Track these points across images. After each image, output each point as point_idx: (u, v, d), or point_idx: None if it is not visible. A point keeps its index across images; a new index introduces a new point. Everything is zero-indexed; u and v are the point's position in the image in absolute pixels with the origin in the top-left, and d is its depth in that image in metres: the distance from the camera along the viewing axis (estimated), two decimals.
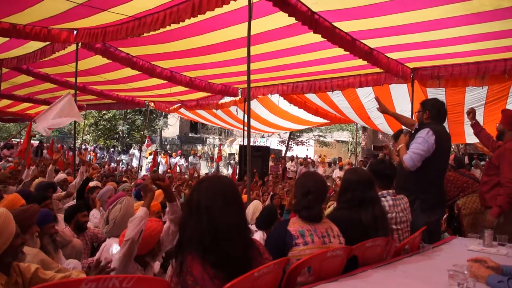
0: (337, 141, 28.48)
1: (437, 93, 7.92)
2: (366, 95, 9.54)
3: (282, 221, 2.51)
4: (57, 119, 6.90)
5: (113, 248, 3.31)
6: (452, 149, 15.11)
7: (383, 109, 4.85)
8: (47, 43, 7.50)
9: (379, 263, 2.60)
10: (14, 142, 19.28)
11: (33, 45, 7.80)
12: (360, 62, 6.66)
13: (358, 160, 17.15)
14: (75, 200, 5.70)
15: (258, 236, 4.54)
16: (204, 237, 1.88)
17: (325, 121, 13.50)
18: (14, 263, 2.36)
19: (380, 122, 10.93)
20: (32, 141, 10.90)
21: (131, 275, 1.77)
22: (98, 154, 21.42)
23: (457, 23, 5.16)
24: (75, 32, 6.93)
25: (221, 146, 19.25)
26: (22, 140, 22.87)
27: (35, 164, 8.65)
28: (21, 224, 2.57)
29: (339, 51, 6.21)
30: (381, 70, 7.37)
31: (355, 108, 10.44)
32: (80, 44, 7.25)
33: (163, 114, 27.08)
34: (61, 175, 7.32)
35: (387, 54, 6.77)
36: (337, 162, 16.33)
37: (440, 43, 5.94)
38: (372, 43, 6.27)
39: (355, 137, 19.71)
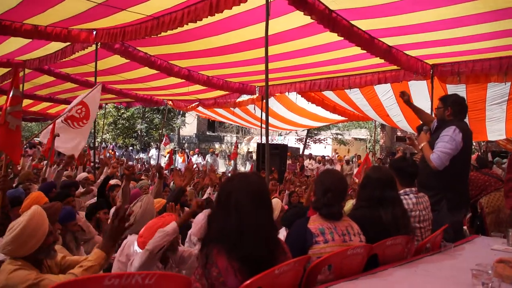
0: (355, 139, 28.24)
1: (457, 89, 7.79)
2: (384, 92, 9.45)
3: (302, 219, 2.51)
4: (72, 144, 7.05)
5: (135, 245, 3.35)
6: (473, 147, 14.88)
7: (407, 98, 4.72)
8: (68, 43, 7.63)
9: (400, 262, 2.58)
10: (36, 141, 19.62)
11: (54, 46, 7.95)
12: (378, 60, 6.60)
13: (376, 158, 16.99)
14: (95, 198, 5.78)
15: (282, 235, 4.55)
16: (232, 234, 1.91)
17: (343, 118, 13.42)
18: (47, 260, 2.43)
19: (399, 119, 10.81)
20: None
21: (153, 271, 1.79)
22: (117, 153, 21.67)
23: (478, 21, 5.06)
24: (94, 32, 7.03)
25: (238, 143, 19.27)
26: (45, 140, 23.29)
27: (56, 163, 8.78)
28: None
29: (356, 50, 6.16)
30: (400, 67, 7.29)
31: (373, 105, 10.34)
32: (99, 44, 7.36)
33: (181, 112, 27.24)
34: (83, 174, 7.43)
35: (406, 52, 6.68)
36: (356, 160, 16.22)
37: (460, 40, 5.84)
38: (390, 41, 6.20)
39: (373, 135, 19.52)
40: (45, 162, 7.56)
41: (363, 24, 5.61)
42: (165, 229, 2.79)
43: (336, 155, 19.05)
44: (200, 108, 12.96)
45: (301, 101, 11.17)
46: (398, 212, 2.75)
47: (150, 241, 2.74)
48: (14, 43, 7.76)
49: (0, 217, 3.26)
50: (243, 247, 1.88)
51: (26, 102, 14.17)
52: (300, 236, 2.38)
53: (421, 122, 4.77)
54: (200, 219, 3.49)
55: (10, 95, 3.69)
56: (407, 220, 2.84)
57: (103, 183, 5.65)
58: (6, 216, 3.27)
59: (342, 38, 5.53)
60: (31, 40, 7.22)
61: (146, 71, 8.75)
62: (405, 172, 3.24)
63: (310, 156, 17.78)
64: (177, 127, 29.59)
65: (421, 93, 8.58)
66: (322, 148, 25.14)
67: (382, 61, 6.58)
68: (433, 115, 4.74)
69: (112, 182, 6.09)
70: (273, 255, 1.95)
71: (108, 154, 19.41)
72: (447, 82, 7.44)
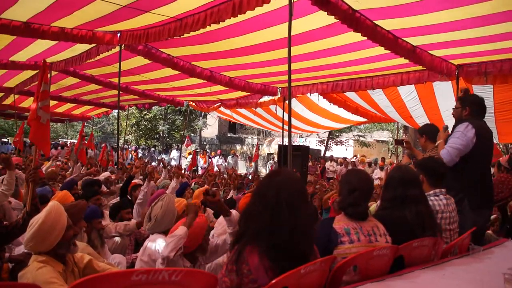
0: (377, 141, 27.93)
1: (483, 90, 7.62)
2: (408, 93, 9.31)
3: (327, 218, 2.48)
4: None
5: (157, 244, 3.37)
6: (500, 150, 14.50)
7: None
8: (92, 45, 7.78)
9: (426, 264, 2.52)
10: (63, 142, 20.06)
11: (79, 48, 8.12)
12: (402, 60, 6.50)
13: (399, 160, 16.74)
14: (118, 198, 5.86)
15: None
16: (280, 232, 1.88)
17: (365, 119, 13.29)
18: (69, 254, 2.48)
19: (423, 121, 10.63)
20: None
21: (179, 268, 1.80)
22: (139, 154, 21.95)
23: (507, 18, 4.93)
24: (118, 34, 7.15)
25: (259, 145, 19.28)
26: (68, 141, 23.82)
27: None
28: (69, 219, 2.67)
29: (380, 50, 6.09)
30: (424, 68, 7.17)
31: (396, 106, 10.20)
32: (123, 46, 7.48)
33: (203, 114, 27.43)
34: (105, 173, 7.55)
35: (430, 52, 6.57)
36: (378, 162, 16.03)
37: (487, 39, 5.70)
38: (414, 40, 6.11)
39: (396, 136, 19.26)
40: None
41: (387, 24, 5.54)
42: (175, 233, 2.82)
43: (359, 158, 18.84)
44: (221, 109, 13.01)
45: (323, 102, 11.11)
46: (423, 210, 2.68)
47: (164, 248, 2.78)
48: (40, 46, 7.95)
49: (30, 209, 3.33)
50: (286, 245, 1.87)
51: (51, 103, 14.48)
52: (324, 236, 2.35)
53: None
54: (223, 219, 3.48)
55: (40, 90, 3.79)
56: (433, 220, 2.77)
57: (126, 182, 5.72)
58: (35, 207, 3.34)
59: (366, 38, 5.47)
60: (57, 42, 7.38)
61: (168, 71, 8.84)
62: (434, 172, 3.16)
63: (331, 158, 17.65)
64: (198, 128, 29.79)
65: (446, 94, 8.43)
66: (343, 150, 24.94)
67: (406, 61, 6.49)
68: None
69: (135, 181, 6.17)
70: (306, 255, 1.94)
71: (130, 155, 19.70)
72: (473, 83, 7.28)
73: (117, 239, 4.25)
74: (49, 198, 4.19)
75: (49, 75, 9.71)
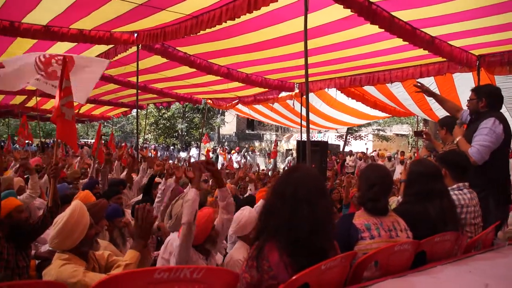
0: (397, 135, 27.59)
1: (506, 80, 7.45)
2: (427, 85, 9.09)
3: (346, 214, 2.46)
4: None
5: (177, 242, 3.39)
6: None
7: (426, 89, 4.48)
8: (110, 46, 7.88)
9: (449, 259, 2.47)
10: (82, 142, 20.41)
11: (97, 49, 8.23)
12: (420, 51, 6.40)
13: (421, 153, 16.49)
14: (140, 196, 5.92)
15: None
16: (300, 228, 1.87)
17: (384, 114, 13.13)
18: (90, 251, 2.53)
19: (443, 113, 10.43)
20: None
21: (201, 265, 1.81)
22: (158, 152, 22.16)
23: None
24: (135, 34, 7.22)
25: (277, 141, 19.27)
26: (88, 141, 24.22)
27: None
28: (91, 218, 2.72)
29: (398, 42, 6.02)
30: (444, 59, 7.04)
31: (416, 99, 10.05)
32: (140, 45, 7.55)
33: (221, 111, 27.52)
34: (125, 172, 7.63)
35: (450, 42, 6.45)
36: (398, 156, 15.84)
37: (510, 26, 5.55)
38: (433, 31, 6.00)
39: (416, 129, 19.00)
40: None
41: (404, 15, 5.47)
42: (187, 197, 2.81)
43: (378, 151, 18.67)
44: (239, 107, 13.02)
45: (341, 97, 11.03)
46: (446, 204, 2.64)
47: (183, 216, 2.77)
48: (60, 48, 8.09)
49: (51, 204, 3.40)
50: (309, 240, 1.86)
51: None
52: (344, 231, 2.33)
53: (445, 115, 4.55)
54: (240, 217, 3.48)
55: (62, 87, 3.82)
56: (455, 214, 2.72)
57: (148, 181, 5.78)
58: (56, 203, 3.41)
59: (383, 30, 5.41)
60: (76, 44, 7.50)
61: (186, 69, 8.90)
62: (457, 166, 3.08)
63: (350, 153, 17.52)
64: (216, 126, 29.93)
65: (466, 86, 8.26)
66: (362, 145, 24.72)
67: (425, 52, 6.38)
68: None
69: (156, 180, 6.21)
70: (326, 251, 1.93)
71: (150, 154, 19.91)
72: (496, 73, 7.11)
73: None
74: (71, 198, 4.27)
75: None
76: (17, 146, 14.18)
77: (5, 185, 4.66)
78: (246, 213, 3.46)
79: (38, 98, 14.01)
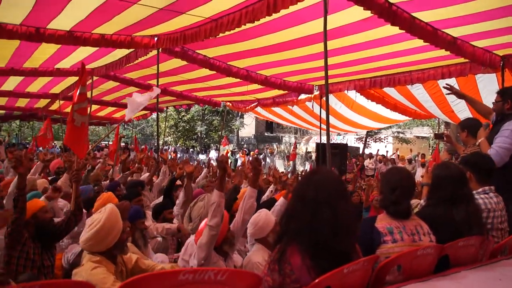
0: (417, 137, 27.22)
1: None
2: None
3: (368, 217, 2.45)
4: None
5: None
6: None
7: (456, 91, 4.41)
8: (131, 50, 7.99)
9: (473, 264, 2.43)
10: (103, 144, 20.70)
11: (118, 53, 8.37)
12: (442, 52, 6.31)
13: (442, 156, 16.23)
14: (161, 198, 5.98)
15: None
16: (322, 231, 1.87)
17: (404, 118, 12.97)
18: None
19: (465, 115, 10.24)
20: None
21: (225, 268, 1.82)
22: (178, 155, 22.33)
23: None
24: (155, 38, 7.31)
25: (296, 144, 19.23)
26: (111, 142, 24.57)
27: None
28: None
29: (418, 42, 5.94)
30: (466, 60, 6.92)
31: (437, 101, 9.89)
32: (160, 49, 7.64)
33: (240, 114, 27.61)
34: (147, 174, 7.71)
35: (472, 43, 6.34)
36: (419, 159, 15.62)
37: None
38: (455, 32, 5.92)
39: (437, 132, 18.70)
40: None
41: (425, 16, 5.40)
42: (212, 200, 2.82)
43: (398, 154, 18.44)
44: (258, 109, 13.04)
45: (361, 99, 10.94)
46: (472, 209, 2.59)
47: (208, 218, 2.79)
48: (82, 52, 8.26)
49: (74, 208, 3.47)
50: (332, 242, 1.85)
51: (93, 107, 15.02)
52: (366, 235, 2.31)
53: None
54: (257, 219, 3.48)
55: (77, 93, 3.83)
56: (480, 218, 2.67)
57: (169, 184, 5.84)
58: (79, 207, 3.48)
59: (403, 31, 5.36)
60: (98, 48, 7.64)
61: (205, 71, 8.94)
62: (483, 169, 3.02)
63: (370, 156, 17.34)
64: (235, 128, 30.03)
65: (490, 88, 8.10)
66: (382, 147, 24.46)
67: (446, 53, 6.29)
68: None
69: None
70: (348, 254, 1.92)
71: (169, 156, 20.07)
72: None
73: (160, 238, 4.35)
74: (94, 200, 4.35)
75: (91, 80, 10.07)
76: (41, 148, 14.47)
77: (29, 187, 4.76)
78: (263, 216, 3.46)
79: (61, 102, 14.31)
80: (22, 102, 15.55)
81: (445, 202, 2.62)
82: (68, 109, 15.95)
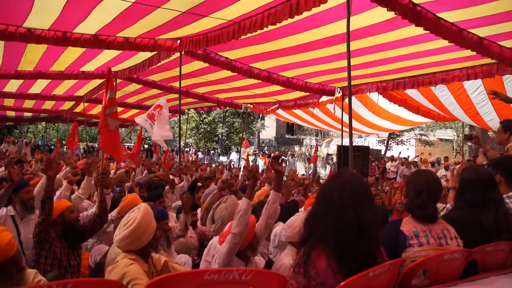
0: (440, 139, 26.72)
1: None
2: (474, 88, 8.83)
3: (394, 221, 2.42)
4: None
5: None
6: None
7: (503, 97, 4.29)
8: (154, 52, 8.10)
9: (502, 270, 2.37)
10: (125, 146, 21.00)
11: (142, 56, 8.49)
12: (467, 53, 6.19)
13: (465, 160, 15.90)
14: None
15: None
16: (346, 233, 1.86)
17: (427, 120, 12.74)
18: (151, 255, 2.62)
19: (491, 118, 10.02)
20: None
21: (250, 268, 1.83)
22: (199, 157, 22.49)
23: None
24: (178, 41, 7.39)
25: (318, 146, 19.13)
26: (132, 144, 24.91)
27: (145, 165, 9.32)
28: None
29: (443, 43, 5.84)
30: (493, 61, 6.77)
31: (462, 103, 9.69)
32: (183, 51, 7.72)
33: (261, 116, 27.62)
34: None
35: (500, 43, 6.20)
36: (442, 162, 15.34)
37: None
38: (482, 31, 5.80)
39: (461, 134, 18.33)
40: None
41: (450, 16, 5.32)
42: (239, 208, 2.82)
43: (421, 157, 18.13)
44: (279, 111, 13.02)
45: (382, 102, 10.80)
46: (501, 213, 2.53)
47: (234, 225, 2.79)
48: (106, 56, 8.41)
49: (98, 211, 3.54)
50: (355, 244, 1.84)
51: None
52: (391, 238, 2.28)
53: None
54: (294, 223, 3.48)
55: (107, 98, 3.92)
56: (510, 223, 2.60)
57: (191, 185, 5.89)
58: (104, 210, 3.54)
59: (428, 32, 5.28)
60: (121, 51, 7.76)
61: (227, 72, 8.97)
62: None
63: (392, 158, 17.11)
64: (256, 130, 30.05)
65: None
66: (404, 150, 24.09)
67: (472, 54, 6.17)
68: None
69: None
70: (374, 256, 1.90)
71: (191, 158, 20.24)
72: None
73: (182, 239, 4.38)
74: (119, 201, 4.42)
75: (114, 83, 10.23)
76: (65, 149, 14.82)
77: (56, 186, 4.86)
78: (301, 220, 3.44)
79: (85, 104, 14.60)
80: (48, 105, 15.95)
81: (474, 206, 2.57)
82: (92, 111, 16.36)
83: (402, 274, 2.03)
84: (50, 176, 3.27)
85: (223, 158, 23.46)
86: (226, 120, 29.06)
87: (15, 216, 3.92)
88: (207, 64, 8.35)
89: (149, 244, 2.57)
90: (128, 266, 2.41)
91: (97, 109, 16.52)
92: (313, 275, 1.82)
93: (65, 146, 17.99)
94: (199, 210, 5.31)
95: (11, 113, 18.17)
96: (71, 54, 8.14)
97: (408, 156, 19.52)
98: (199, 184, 6.38)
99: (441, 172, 14.25)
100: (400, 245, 2.25)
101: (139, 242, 2.53)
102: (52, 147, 20.89)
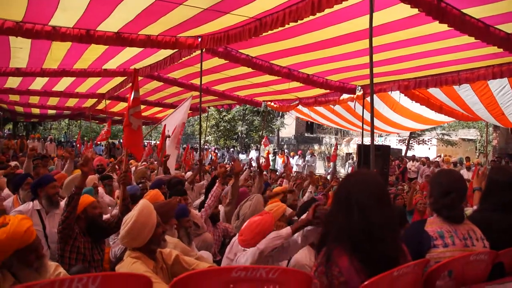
0: (463, 139, 26.21)
1: None
2: (500, 87, 8.61)
3: (418, 221, 2.37)
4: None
5: None
6: None
7: None
8: (175, 50, 8.15)
9: None
10: (150, 142, 21.25)
11: (163, 53, 8.56)
12: (493, 49, 6.04)
13: (489, 161, 15.59)
14: (203, 197, 6.07)
15: None
16: (355, 234, 1.84)
17: (449, 119, 12.51)
18: (158, 250, 2.63)
19: None
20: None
21: (277, 266, 1.83)
22: (218, 154, 22.59)
23: None
24: (199, 39, 7.42)
25: (337, 145, 19.02)
26: (151, 142, 25.20)
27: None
28: (162, 216, 2.84)
29: (469, 39, 5.70)
30: None
31: (486, 103, 9.45)
32: (204, 49, 7.75)
33: (280, 114, 27.58)
34: (189, 173, 7.87)
35: None
36: (464, 162, 15.06)
37: None
38: (509, 27, 5.64)
39: (485, 135, 17.95)
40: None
41: (476, 12, 5.19)
42: (279, 232, 2.77)
43: (443, 157, 17.82)
44: (299, 108, 12.93)
45: (404, 100, 10.63)
46: None
47: (263, 240, 2.75)
48: (128, 53, 8.51)
49: (121, 209, 3.59)
50: (369, 246, 1.82)
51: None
52: (415, 239, 2.25)
53: None
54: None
55: (131, 98, 4.03)
56: None
57: (211, 182, 5.92)
58: (126, 208, 3.59)
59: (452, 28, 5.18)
60: (143, 48, 7.84)
61: (247, 68, 8.95)
62: None
63: (413, 158, 16.88)
64: (276, 128, 30.03)
65: None
66: (426, 150, 23.73)
67: (499, 51, 6.01)
68: None
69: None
70: (395, 256, 1.87)
71: (210, 156, 20.35)
72: None
73: (203, 236, 4.41)
74: (140, 198, 4.47)
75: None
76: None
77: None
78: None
79: (107, 101, 14.82)
80: (71, 102, 16.27)
81: (501, 207, 2.51)
82: (114, 109, 16.60)
83: (426, 274, 2.01)
84: (85, 172, 3.35)
85: (242, 156, 23.51)
86: (246, 118, 29.11)
87: (41, 210, 4.00)
88: (227, 60, 8.37)
89: (150, 240, 2.55)
90: (132, 265, 2.43)
91: (119, 107, 16.77)
92: (336, 275, 1.80)
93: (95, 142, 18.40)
94: (220, 206, 5.34)
95: (36, 110, 18.64)
96: (94, 51, 8.27)
97: (428, 158, 19.24)
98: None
99: (462, 173, 14.00)
100: (424, 245, 2.21)
101: (140, 240, 2.52)
102: (74, 144, 21.28)
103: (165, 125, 8.13)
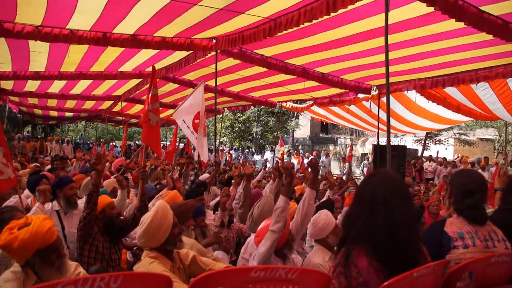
0: (481, 139, 25.79)
1: None
2: None
3: (437, 221, 2.34)
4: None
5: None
6: None
7: None
8: (190, 52, 8.20)
9: None
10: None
11: (178, 55, 8.61)
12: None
13: (508, 161, 15.28)
14: (218, 198, 6.09)
15: None
16: (378, 233, 1.83)
17: (466, 119, 12.30)
18: (175, 250, 2.65)
19: None
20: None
21: (295, 266, 1.83)
22: (233, 155, 22.64)
23: None
24: (214, 40, 7.45)
25: (353, 145, 18.89)
26: (167, 143, 25.42)
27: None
28: (179, 217, 2.85)
29: (487, 36, 5.59)
30: None
31: (505, 102, 9.25)
32: (218, 50, 7.78)
33: (295, 115, 27.53)
34: (205, 175, 7.89)
35: None
36: (481, 161, 14.84)
37: None
38: None
39: (504, 134, 17.62)
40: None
41: (495, 9, 5.10)
42: (277, 206, 2.82)
43: (460, 158, 17.56)
44: (314, 108, 12.87)
45: (420, 100, 10.48)
46: None
47: (271, 222, 2.80)
48: (144, 55, 8.58)
49: (139, 205, 3.62)
50: (391, 245, 1.80)
51: None
52: (435, 239, 2.22)
53: None
54: (317, 220, 3.45)
55: (150, 95, 4.12)
56: None
57: (226, 182, 5.93)
58: (144, 203, 3.62)
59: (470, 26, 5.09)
60: (158, 50, 7.90)
61: (262, 68, 8.93)
62: None
63: (430, 158, 16.65)
64: (291, 129, 29.98)
65: None
66: (442, 150, 23.40)
67: None
68: None
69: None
70: (415, 257, 1.85)
71: (225, 157, 20.41)
72: None
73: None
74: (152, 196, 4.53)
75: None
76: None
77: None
78: (324, 216, 3.42)
79: (123, 104, 14.98)
80: (88, 105, 16.48)
81: None
82: (129, 111, 16.76)
83: (446, 275, 1.98)
84: (98, 170, 3.40)
85: (257, 157, 23.51)
86: (261, 119, 29.13)
87: (59, 211, 4.07)
88: (242, 61, 8.38)
89: (167, 241, 2.57)
90: (149, 264, 2.45)
91: (135, 109, 16.92)
92: (354, 275, 1.79)
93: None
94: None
95: (54, 113, 18.94)
96: (110, 54, 8.37)
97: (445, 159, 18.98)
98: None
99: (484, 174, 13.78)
100: (444, 246, 2.18)
101: (156, 240, 2.55)
102: (91, 145, 21.56)
103: (176, 127, 8.17)
